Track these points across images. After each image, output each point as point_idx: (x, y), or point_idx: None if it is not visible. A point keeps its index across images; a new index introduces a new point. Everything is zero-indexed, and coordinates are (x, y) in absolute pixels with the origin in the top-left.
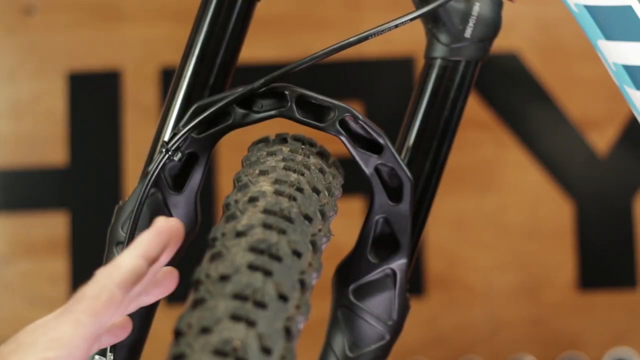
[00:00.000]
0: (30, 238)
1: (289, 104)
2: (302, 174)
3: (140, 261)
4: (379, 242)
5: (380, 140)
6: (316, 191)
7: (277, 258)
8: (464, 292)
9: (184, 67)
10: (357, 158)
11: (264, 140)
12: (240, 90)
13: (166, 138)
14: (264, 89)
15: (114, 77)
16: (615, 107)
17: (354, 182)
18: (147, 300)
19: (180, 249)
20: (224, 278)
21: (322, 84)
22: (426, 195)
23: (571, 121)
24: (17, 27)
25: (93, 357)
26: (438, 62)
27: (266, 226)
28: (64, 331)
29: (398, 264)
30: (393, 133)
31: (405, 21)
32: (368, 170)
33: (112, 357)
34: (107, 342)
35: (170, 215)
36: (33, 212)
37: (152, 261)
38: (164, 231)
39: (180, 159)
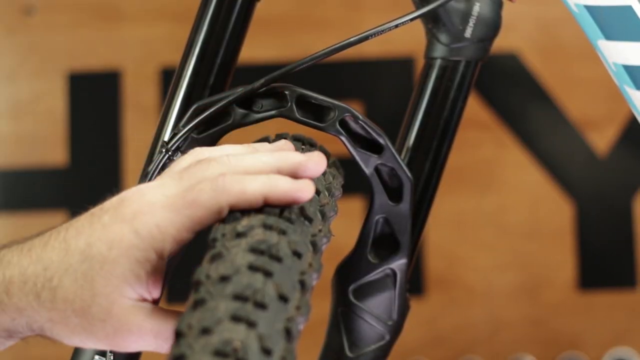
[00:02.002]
0: None
1: (289, 104)
2: None
3: (260, 198)
4: (379, 242)
5: (380, 140)
6: (316, 191)
7: (278, 259)
8: (464, 292)
9: (183, 67)
10: (357, 158)
11: (264, 140)
12: (240, 90)
13: (166, 138)
14: (264, 89)
15: (113, 77)
16: (615, 107)
17: (354, 182)
18: None
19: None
20: (224, 279)
21: (322, 84)
22: (426, 195)
23: (571, 121)
24: (17, 27)
25: (93, 357)
26: (438, 62)
27: (266, 227)
28: (168, 233)
29: (398, 264)
30: (393, 133)
31: (405, 21)
32: (368, 170)
33: (112, 357)
34: None
35: None
36: (33, 212)
37: (269, 202)
38: (301, 192)
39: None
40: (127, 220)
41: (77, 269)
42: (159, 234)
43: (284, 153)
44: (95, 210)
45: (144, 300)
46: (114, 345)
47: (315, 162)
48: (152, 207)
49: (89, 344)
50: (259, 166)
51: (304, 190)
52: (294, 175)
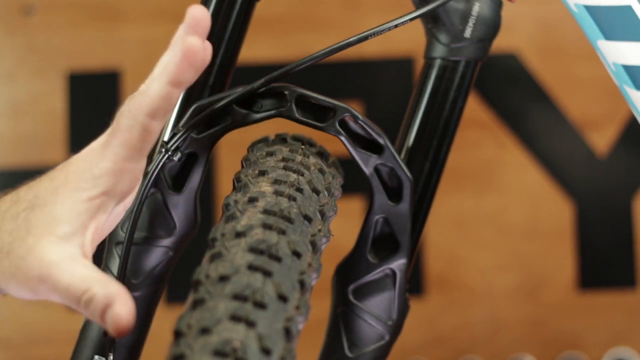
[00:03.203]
0: None
1: (289, 104)
2: (302, 174)
3: (168, 87)
4: (378, 242)
5: (380, 140)
6: (316, 191)
7: (277, 258)
8: (464, 292)
9: None
10: (357, 158)
11: (264, 141)
12: (240, 90)
13: (166, 138)
14: (263, 89)
15: (113, 77)
16: (615, 107)
17: (353, 182)
18: None
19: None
20: (223, 278)
21: (322, 84)
22: (426, 195)
23: (571, 121)
24: (16, 27)
25: (93, 357)
26: (438, 62)
27: (266, 226)
28: (104, 167)
29: (398, 264)
30: (393, 133)
31: (405, 21)
32: (368, 170)
33: (111, 357)
34: None
35: (170, 216)
36: None
37: (181, 84)
38: (193, 53)
39: (179, 159)
40: (71, 171)
41: (19, 214)
42: (98, 170)
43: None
44: (47, 171)
45: (76, 249)
46: (32, 288)
47: (192, 16)
48: (90, 153)
49: (15, 288)
50: (158, 67)
51: (194, 46)
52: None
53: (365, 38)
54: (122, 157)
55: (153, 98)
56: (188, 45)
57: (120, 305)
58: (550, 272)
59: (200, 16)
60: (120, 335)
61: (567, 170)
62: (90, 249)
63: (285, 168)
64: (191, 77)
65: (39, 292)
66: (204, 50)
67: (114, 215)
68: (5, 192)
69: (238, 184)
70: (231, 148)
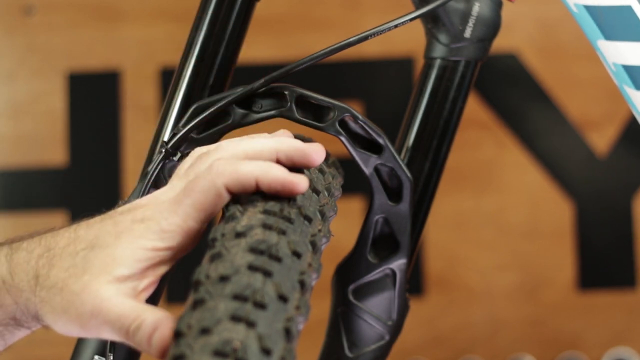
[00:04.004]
0: None
1: (289, 104)
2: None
3: (252, 180)
4: (378, 242)
5: (380, 141)
6: (316, 191)
7: (277, 259)
8: (464, 292)
9: (183, 67)
10: (357, 158)
11: None
12: (239, 90)
13: (166, 138)
14: (263, 89)
15: (113, 77)
16: (615, 107)
17: (353, 182)
18: None
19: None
20: (223, 279)
21: (322, 84)
22: (426, 195)
23: (571, 121)
24: (16, 27)
25: (92, 357)
26: (438, 62)
27: (266, 227)
28: (174, 222)
29: (398, 264)
30: (392, 133)
31: (404, 21)
32: (368, 170)
33: (111, 357)
34: None
35: None
36: (32, 212)
37: (260, 186)
38: (291, 183)
39: (179, 159)
40: (137, 219)
41: (78, 252)
42: (167, 225)
43: (284, 138)
44: (109, 212)
45: (130, 290)
46: (82, 324)
47: (315, 150)
48: (160, 206)
49: (63, 324)
50: (257, 147)
51: (298, 181)
52: (293, 161)
53: (365, 38)
54: (192, 217)
55: (240, 173)
56: (295, 176)
57: (166, 328)
58: (550, 272)
59: (319, 153)
60: (164, 357)
61: (567, 170)
62: (143, 296)
63: None
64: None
65: (89, 327)
66: (302, 184)
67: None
68: (61, 226)
69: None
70: None
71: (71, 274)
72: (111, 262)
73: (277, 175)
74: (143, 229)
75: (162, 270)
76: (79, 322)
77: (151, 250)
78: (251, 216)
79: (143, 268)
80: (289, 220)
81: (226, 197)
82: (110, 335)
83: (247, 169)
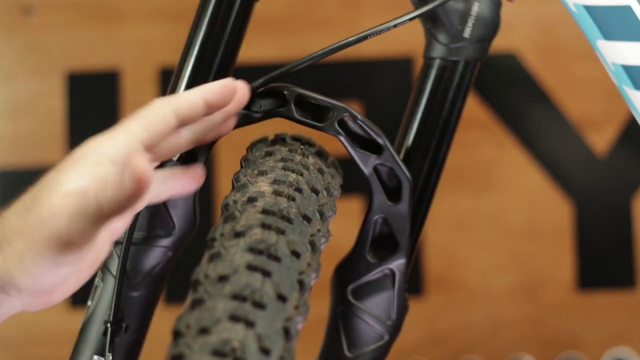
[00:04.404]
0: None
1: (288, 104)
2: (301, 174)
3: (200, 100)
4: (377, 242)
5: (379, 140)
6: (315, 191)
7: (276, 258)
8: (463, 292)
9: (183, 67)
10: (356, 158)
11: (263, 141)
12: None
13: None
14: (262, 88)
15: (112, 77)
16: (614, 107)
17: (352, 182)
18: (173, 188)
19: (179, 249)
20: (222, 278)
21: (321, 84)
22: (425, 195)
23: (570, 121)
24: (15, 26)
25: (92, 357)
26: (437, 62)
27: (265, 226)
28: (116, 140)
29: (397, 264)
30: (392, 133)
31: (404, 21)
32: (367, 170)
33: (110, 357)
34: (173, 188)
35: (169, 216)
36: None
37: (209, 108)
38: (230, 87)
39: (179, 159)
40: (75, 157)
41: (25, 201)
42: (111, 144)
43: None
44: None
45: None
46: (56, 245)
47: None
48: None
49: (34, 260)
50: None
51: (239, 86)
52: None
53: (365, 38)
54: (133, 132)
55: (183, 99)
56: (227, 81)
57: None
58: (550, 272)
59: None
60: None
61: (567, 170)
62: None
63: (284, 168)
64: (218, 105)
65: (63, 240)
66: (239, 94)
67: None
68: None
69: (237, 184)
70: (230, 148)
71: (23, 216)
72: (61, 182)
73: (217, 84)
74: (82, 156)
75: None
76: (49, 243)
77: (93, 164)
78: (250, 216)
79: (87, 181)
80: (288, 220)
81: (172, 123)
82: (86, 231)
83: (188, 93)
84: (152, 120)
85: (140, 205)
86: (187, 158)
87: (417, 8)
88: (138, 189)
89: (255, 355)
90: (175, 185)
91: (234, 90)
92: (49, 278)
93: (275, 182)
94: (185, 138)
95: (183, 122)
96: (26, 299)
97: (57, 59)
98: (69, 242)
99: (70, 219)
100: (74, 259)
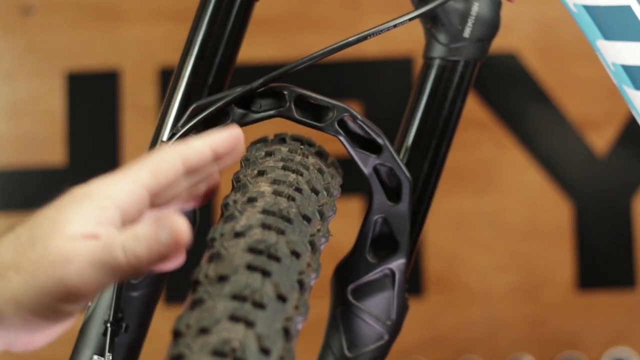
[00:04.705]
0: None
1: (288, 103)
2: (301, 174)
3: (208, 149)
4: (377, 242)
5: (379, 140)
6: (315, 191)
7: (276, 258)
8: (463, 292)
9: (182, 67)
10: (356, 158)
11: (263, 140)
12: (239, 90)
13: (165, 138)
14: (262, 88)
15: (112, 77)
16: (614, 107)
17: (352, 182)
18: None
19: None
20: (222, 278)
21: (321, 84)
22: (425, 195)
23: (570, 121)
24: (15, 26)
25: (92, 357)
26: (437, 62)
27: (265, 226)
28: (123, 184)
29: (397, 264)
30: (392, 133)
31: (404, 21)
32: (367, 170)
33: (110, 357)
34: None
35: None
36: (31, 212)
37: (216, 159)
38: (238, 137)
39: None
40: (79, 194)
41: (20, 234)
42: (117, 189)
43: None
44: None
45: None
46: (55, 287)
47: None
48: (102, 180)
49: (28, 307)
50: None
51: (235, 131)
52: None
53: (365, 38)
54: (141, 178)
55: (192, 147)
56: (233, 131)
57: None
58: (550, 272)
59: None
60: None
61: (567, 170)
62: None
63: (284, 168)
64: (225, 155)
65: (65, 292)
66: (240, 144)
67: None
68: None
69: (237, 184)
70: None
71: (19, 252)
72: (64, 223)
73: (227, 134)
74: (84, 197)
75: (112, 229)
76: (56, 288)
77: (99, 209)
78: (250, 216)
79: (93, 226)
80: (288, 220)
81: (180, 171)
82: (101, 283)
83: (196, 142)
84: (161, 167)
85: (168, 267)
86: None
87: (417, 8)
88: (174, 249)
89: (255, 355)
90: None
91: (240, 140)
92: (42, 324)
93: (275, 182)
94: (184, 188)
95: (189, 172)
96: (9, 338)
97: (57, 59)
98: (78, 292)
99: (89, 268)
100: (76, 309)
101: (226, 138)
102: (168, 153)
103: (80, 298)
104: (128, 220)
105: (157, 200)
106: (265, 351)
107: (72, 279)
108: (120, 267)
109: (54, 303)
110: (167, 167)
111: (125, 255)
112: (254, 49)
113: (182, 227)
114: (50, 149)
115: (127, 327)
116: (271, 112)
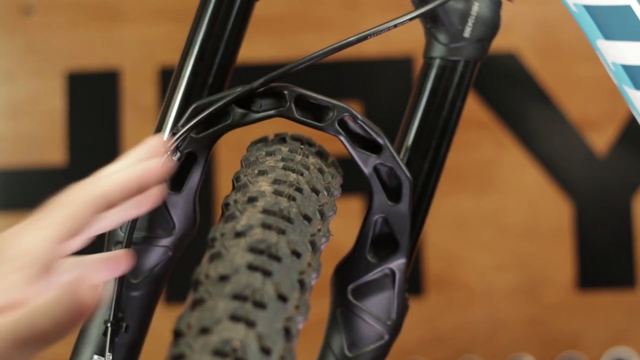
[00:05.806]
0: None
1: (288, 103)
2: (301, 174)
3: (117, 190)
4: (378, 242)
5: (379, 140)
6: (315, 191)
7: (277, 258)
8: (463, 292)
9: (182, 67)
10: (356, 158)
11: (263, 140)
12: (239, 89)
13: (165, 138)
14: (263, 88)
15: (112, 77)
16: (614, 107)
17: (353, 182)
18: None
19: (180, 249)
20: (223, 278)
21: (321, 83)
22: (425, 195)
23: (570, 121)
24: (15, 26)
25: (92, 357)
26: (437, 62)
27: (265, 226)
28: (29, 240)
29: (397, 263)
30: (392, 133)
31: (404, 21)
32: (367, 170)
33: (110, 357)
34: (102, 275)
35: (169, 216)
36: (31, 212)
37: (140, 189)
38: (155, 170)
39: (179, 159)
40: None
41: None
42: (21, 246)
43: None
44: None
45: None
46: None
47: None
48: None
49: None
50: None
51: (153, 168)
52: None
53: (365, 38)
54: (46, 231)
55: (100, 189)
56: (153, 164)
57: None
58: (550, 272)
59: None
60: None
61: (567, 170)
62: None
63: (284, 168)
64: (136, 193)
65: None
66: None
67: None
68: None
69: (237, 184)
70: (231, 148)
71: None
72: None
73: (143, 168)
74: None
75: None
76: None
77: (15, 269)
78: (251, 216)
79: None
80: (289, 219)
81: (102, 208)
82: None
83: (114, 175)
84: (79, 208)
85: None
86: (187, 158)
87: (417, 8)
88: (78, 316)
89: (256, 355)
90: (96, 276)
91: (159, 145)
92: None
93: (275, 181)
94: (118, 210)
95: (112, 206)
96: None
97: (57, 59)
98: None
99: (10, 351)
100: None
101: (134, 176)
102: (73, 198)
103: None
104: (45, 271)
105: (82, 231)
106: (266, 351)
107: None
108: (27, 340)
109: None
110: (71, 213)
111: (30, 328)
112: (254, 49)
113: (86, 297)
114: (50, 149)
115: (128, 327)
116: (271, 112)
